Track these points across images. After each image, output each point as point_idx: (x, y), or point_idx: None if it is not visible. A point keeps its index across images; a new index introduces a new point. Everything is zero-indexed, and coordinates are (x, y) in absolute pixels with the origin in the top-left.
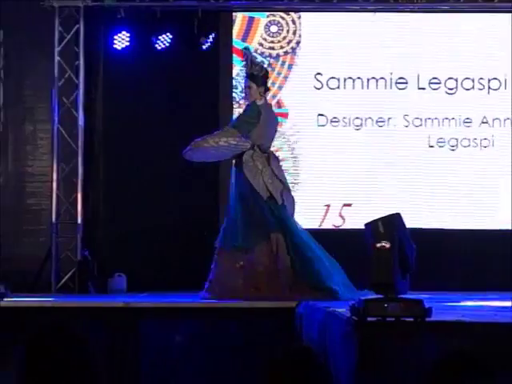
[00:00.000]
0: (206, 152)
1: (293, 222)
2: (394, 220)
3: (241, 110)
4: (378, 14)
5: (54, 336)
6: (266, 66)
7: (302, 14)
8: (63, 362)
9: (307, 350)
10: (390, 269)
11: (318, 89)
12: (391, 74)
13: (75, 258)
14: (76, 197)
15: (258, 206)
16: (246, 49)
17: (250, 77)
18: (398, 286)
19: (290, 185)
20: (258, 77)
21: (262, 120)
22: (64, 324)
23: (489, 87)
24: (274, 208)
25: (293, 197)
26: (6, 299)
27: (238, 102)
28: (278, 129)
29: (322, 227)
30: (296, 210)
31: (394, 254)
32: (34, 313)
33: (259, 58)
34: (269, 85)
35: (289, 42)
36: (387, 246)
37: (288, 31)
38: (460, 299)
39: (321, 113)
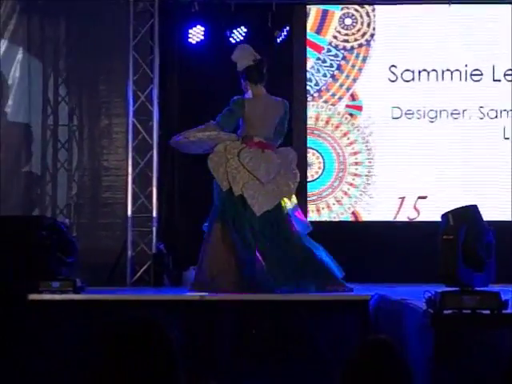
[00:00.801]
0: (188, 146)
1: (241, 215)
2: (465, 212)
3: (314, 103)
4: (452, 5)
5: (140, 327)
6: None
7: (376, 6)
8: (151, 353)
9: (386, 342)
10: (453, 260)
11: (393, 81)
12: (466, 65)
13: (150, 251)
14: (151, 190)
15: (216, 195)
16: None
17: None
18: (465, 278)
19: (364, 177)
20: (242, 71)
21: (248, 112)
22: (148, 316)
23: None
24: (230, 198)
25: (269, 189)
26: (83, 292)
27: (312, 95)
28: (353, 121)
29: (396, 220)
30: (371, 203)
31: (457, 246)
32: (110, 306)
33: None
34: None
35: (363, 35)
36: (451, 237)
37: (362, 24)
38: None
39: (395, 105)
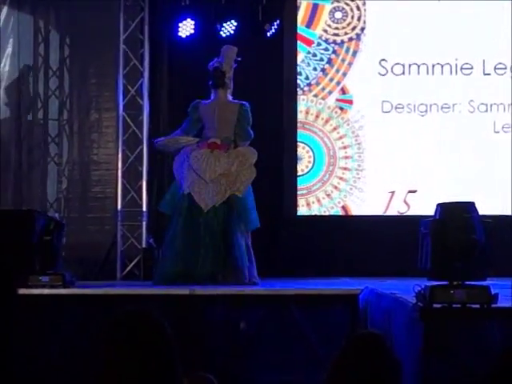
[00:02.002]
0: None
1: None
2: (456, 206)
3: (305, 97)
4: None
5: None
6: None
7: (366, 0)
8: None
9: (375, 336)
10: (443, 254)
11: (383, 75)
12: (456, 59)
13: (140, 245)
14: (141, 184)
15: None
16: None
17: None
18: (453, 272)
19: (354, 171)
20: None
21: (202, 115)
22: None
23: None
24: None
25: (212, 187)
26: (72, 287)
27: (302, 89)
28: (343, 115)
29: (386, 214)
30: (361, 197)
31: (447, 239)
32: (99, 300)
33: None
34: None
35: (353, 29)
36: (440, 231)
37: (353, 17)
38: None
39: (385, 99)
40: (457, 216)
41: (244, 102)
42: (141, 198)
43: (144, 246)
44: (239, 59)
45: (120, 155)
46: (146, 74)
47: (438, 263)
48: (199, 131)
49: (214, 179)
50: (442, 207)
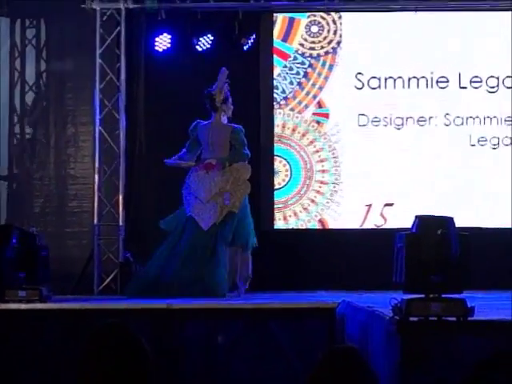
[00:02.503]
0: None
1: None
2: (432, 222)
3: (281, 111)
4: (419, 13)
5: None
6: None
7: (342, 13)
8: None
9: (352, 350)
10: (419, 268)
11: (359, 88)
12: (432, 73)
13: (117, 259)
14: (118, 199)
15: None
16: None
17: None
18: (436, 286)
19: (331, 184)
20: None
21: (199, 135)
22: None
23: None
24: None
25: (209, 207)
26: (49, 301)
27: (278, 103)
28: (319, 129)
29: (363, 227)
30: (338, 211)
31: (423, 252)
32: (76, 315)
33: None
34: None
35: (329, 42)
36: (417, 244)
37: (329, 31)
38: (504, 298)
39: (362, 113)
40: (432, 230)
41: (236, 126)
42: (118, 213)
43: (121, 260)
44: (227, 81)
45: (97, 169)
46: (123, 89)
47: (413, 277)
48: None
49: (210, 200)
50: (418, 220)
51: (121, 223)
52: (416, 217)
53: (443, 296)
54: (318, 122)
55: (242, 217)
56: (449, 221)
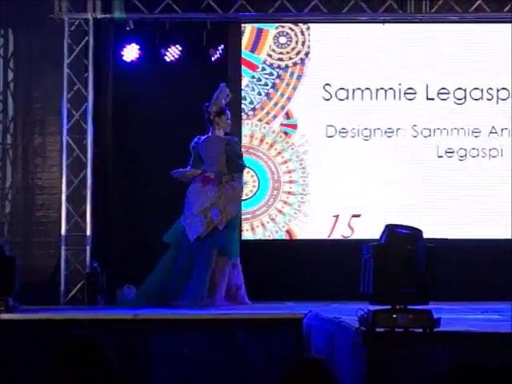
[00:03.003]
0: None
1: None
2: (399, 234)
3: (249, 122)
4: (386, 24)
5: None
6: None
7: (310, 25)
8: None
9: (317, 361)
10: (386, 279)
11: (327, 100)
12: (400, 84)
13: (84, 270)
14: (85, 209)
15: None
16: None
17: None
18: (402, 297)
19: (298, 195)
20: None
21: (199, 150)
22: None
23: (497, 97)
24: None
25: (198, 219)
26: (16, 312)
27: (246, 114)
28: (287, 140)
29: (331, 238)
30: (305, 221)
31: (390, 266)
32: (43, 325)
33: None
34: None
35: (298, 53)
36: (385, 255)
37: (297, 42)
38: (469, 310)
39: (329, 124)
40: (400, 242)
41: (231, 137)
42: (85, 223)
43: (88, 270)
44: (223, 97)
45: (64, 179)
46: (91, 99)
47: (380, 288)
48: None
49: (200, 212)
50: (387, 231)
51: (88, 233)
52: (386, 226)
53: (409, 307)
54: (286, 133)
55: (224, 237)
56: (417, 233)
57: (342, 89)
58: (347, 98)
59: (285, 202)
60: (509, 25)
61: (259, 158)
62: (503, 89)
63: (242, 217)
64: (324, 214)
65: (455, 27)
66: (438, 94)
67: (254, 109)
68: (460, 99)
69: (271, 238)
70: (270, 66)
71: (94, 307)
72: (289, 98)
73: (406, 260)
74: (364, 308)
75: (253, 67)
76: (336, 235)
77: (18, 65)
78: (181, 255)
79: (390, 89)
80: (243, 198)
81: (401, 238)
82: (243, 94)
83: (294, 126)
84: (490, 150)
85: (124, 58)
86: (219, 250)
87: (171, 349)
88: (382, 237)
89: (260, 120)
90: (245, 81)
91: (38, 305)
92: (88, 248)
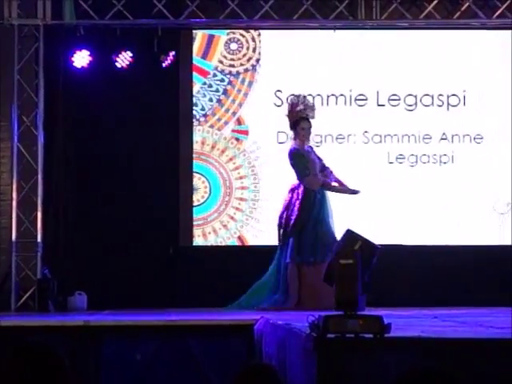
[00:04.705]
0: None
1: None
2: (358, 238)
3: (201, 128)
4: (337, 31)
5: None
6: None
7: (261, 31)
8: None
9: (266, 367)
10: (354, 286)
11: (278, 106)
12: (351, 90)
13: (35, 276)
14: (36, 215)
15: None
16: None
17: None
18: (359, 303)
19: (250, 201)
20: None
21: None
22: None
23: (448, 104)
24: None
25: None
26: None
27: (198, 120)
28: (239, 146)
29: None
30: (257, 228)
31: (357, 271)
32: None
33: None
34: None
35: (249, 60)
36: (351, 262)
37: (248, 48)
38: (421, 316)
39: (281, 130)
40: (348, 249)
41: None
42: (36, 229)
43: (39, 277)
44: (289, 109)
45: (15, 186)
46: (41, 105)
47: (348, 294)
48: None
49: None
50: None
51: (39, 240)
52: (347, 230)
53: (360, 313)
54: (238, 139)
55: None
56: (366, 240)
57: (293, 95)
58: None
59: (236, 209)
60: (459, 31)
61: (211, 164)
62: (453, 95)
63: (194, 223)
64: (275, 220)
65: (406, 34)
66: (389, 100)
67: (205, 115)
68: (411, 105)
69: (223, 244)
70: (222, 72)
71: (45, 314)
72: (240, 105)
73: (354, 265)
74: (315, 314)
75: (204, 73)
76: None
77: None
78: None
79: (341, 95)
80: (194, 204)
81: (352, 244)
82: (194, 100)
83: (246, 132)
84: (440, 156)
85: (75, 64)
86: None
87: (123, 355)
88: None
89: (211, 126)
90: (196, 87)
91: None
92: (39, 254)
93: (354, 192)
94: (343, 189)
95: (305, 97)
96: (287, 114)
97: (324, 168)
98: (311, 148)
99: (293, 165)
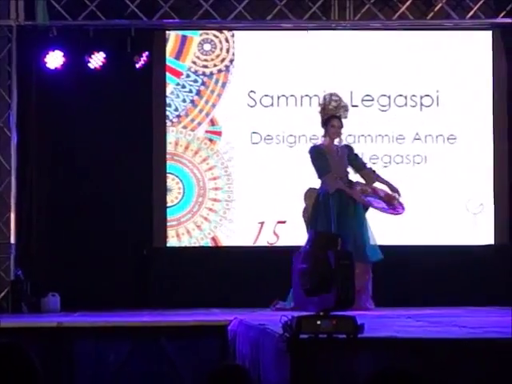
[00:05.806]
0: None
1: None
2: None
3: (174, 129)
4: (311, 31)
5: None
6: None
7: (235, 32)
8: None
9: (238, 368)
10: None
11: (252, 106)
12: (324, 91)
13: (8, 277)
14: (9, 216)
15: None
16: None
17: None
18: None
19: (224, 202)
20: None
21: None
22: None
23: (421, 104)
24: None
25: None
26: None
27: (171, 121)
28: (212, 146)
29: (256, 244)
30: (231, 228)
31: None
32: None
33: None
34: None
35: (222, 60)
36: (347, 262)
37: (221, 49)
38: (395, 316)
39: (254, 130)
40: (320, 249)
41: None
42: (9, 231)
43: (12, 278)
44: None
45: None
46: (14, 106)
47: (302, 294)
48: None
49: None
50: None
51: (12, 241)
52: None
53: (333, 314)
54: (211, 140)
55: None
56: (337, 239)
57: (267, 96)
58: (272, 104)
59: (210, 209)
60: (432, 32)
61: (184, 165)
62: (427, 96)
63: (168, 224)
64: (249, 220)
65: (379, 34)
66: (363, 100)
67: (178, 116)
68: (384, 106)
69: (197, 244)
70: (195, 73)
71: (18, 315)
72: (213, 105)
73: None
74: (288, 314)
75: (177, 74)
76: (261, 242)
77: None
78: None
79: (315, 95)
80: (168, 205)
81: (322, 244)
82: (168, 100)
83: (219, 133)
84: (414, 156)
85: (48, 65)
86: None
87: (96, 356)
88: (307, 243)
89: (185, 127)
90: (169, 88)
91: None
92: (12, 256)
93: (367, 204)
94: (361, 200)
95: (339, 96)
96: (320, 110)
97: (364, 166)
98: (345, 147)
99: (312, 162)
